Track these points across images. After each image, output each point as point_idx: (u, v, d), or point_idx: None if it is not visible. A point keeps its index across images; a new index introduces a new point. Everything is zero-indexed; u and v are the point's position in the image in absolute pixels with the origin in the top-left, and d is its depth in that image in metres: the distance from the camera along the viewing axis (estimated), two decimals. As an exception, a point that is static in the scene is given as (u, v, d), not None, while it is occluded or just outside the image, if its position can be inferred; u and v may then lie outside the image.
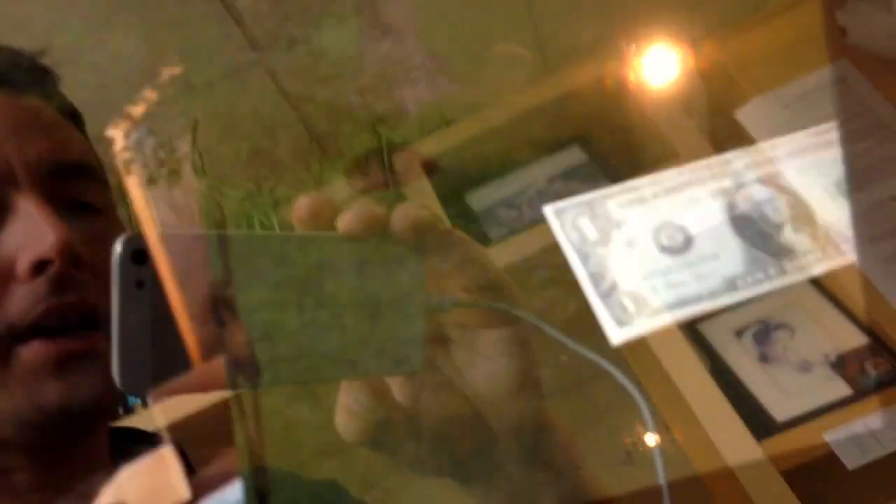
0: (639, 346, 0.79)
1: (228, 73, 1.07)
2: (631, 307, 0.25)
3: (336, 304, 0.29)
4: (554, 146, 0.99)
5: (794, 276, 0.27)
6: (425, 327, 0.30)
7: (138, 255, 0.29)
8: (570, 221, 0.27)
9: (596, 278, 0.25)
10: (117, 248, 0.28)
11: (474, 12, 1.01)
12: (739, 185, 0.29)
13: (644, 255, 0.26)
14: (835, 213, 0.29)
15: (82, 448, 0.45)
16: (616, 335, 0.24)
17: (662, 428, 0.79)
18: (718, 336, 0.83)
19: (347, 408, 0.31)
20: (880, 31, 0.70)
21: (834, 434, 0.75)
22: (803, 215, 0.29)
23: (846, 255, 0.28)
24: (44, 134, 0.43)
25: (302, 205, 0.29)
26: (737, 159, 0.30)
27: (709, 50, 0.86)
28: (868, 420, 0.74)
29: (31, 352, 0.39)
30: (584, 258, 0.26)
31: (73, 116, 0.48)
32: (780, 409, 0.79)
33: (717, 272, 0.27)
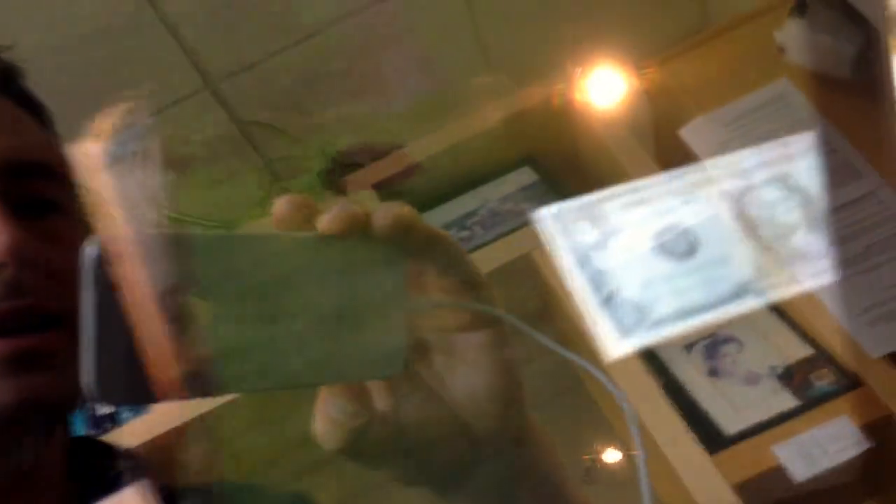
0: (592, 361, 0.79)
1: (178, 101, 1.05)
2: (630, 318, 0.24)
3: (314, 307, 0.27)
4: (505, 167, 1.00)
5: (806, 283, 0.26)
6: (406, 330, 0.28)
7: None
8: (566, 225, 0.25)
9: (596, 285, 0.24)
10: (92, 250, 0.26)
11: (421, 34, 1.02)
12: (748, 187, 0.28)
13: (646, 260, 0.25)
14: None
15: (34, 455, 0.42)
16: (616, 347, 0.23)
17: (619, 442, 0.79)
18: (669, 350, 0.84)
19: (327, 414, 0.30)
20: (818, 49, 0.73)
21: (782, 447, 0.76)
22: (817, 217, 0.28)
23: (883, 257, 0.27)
24: (1, 133, 0.42)
25: (280, 205, 0.28)
26: (748, 157, 0.29)
27: (653, 71, 0.89)
28: (815, 432, 0.75)
29: None
30: (582, 263, 0.24)
31: (37, 112, 0.46)
32: (729, 423, 0.79)
33: (725, 277, 0.25)
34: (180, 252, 0.26)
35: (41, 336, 0.38)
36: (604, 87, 0.88)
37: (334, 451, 0.31)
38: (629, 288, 0.24)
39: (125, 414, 1.02)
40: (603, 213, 0.26)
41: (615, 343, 0.23)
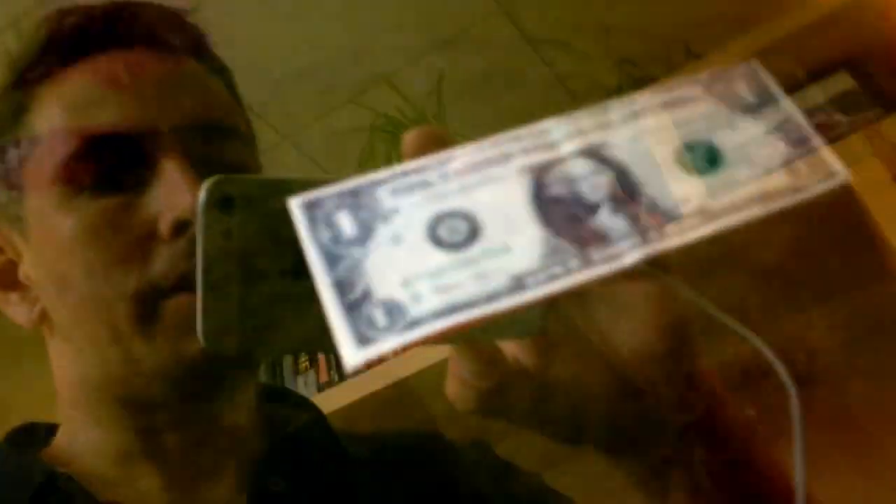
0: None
1: (470, 26, 1.07)
2: (381, 320, 0.20)
3: None
4: (818, 73, 0.90)
5: (600, 269, 0.21)
6: None
7: (226, 202, 0.27)
8: (323, 217, 0.21)
9: (343, 287, 0.20)
10: (202, 194, 0.27)
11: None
12: (553, 161, 0.23)
13: (413, 253, 0.21)
14: (671, 186, 0.23)
15: (228, 405, 0.46)
16: (353, 356, 0.19)
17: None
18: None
19: (458, 376, 0.30)
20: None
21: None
22: (628, 193, 0.22)
23: (671, 237, 0.22)
24: (189, 95, 0.45)
25: (410, 139, 0.26)
26: (556, 128, 0.24)
27: None
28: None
29: (175, 306, 0.41)
30: (332, 262, 0.20)
31: (222, 74, 0.48)
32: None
33: (503, 268, 0.21)
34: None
35: None
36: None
37: (469, 411, 0.30)
38: (386, 285, 0.21)
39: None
40: (372, 199, 0.22)
41: (353, 350, 0.19)
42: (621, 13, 1.13)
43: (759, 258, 0.35)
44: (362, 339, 0.20)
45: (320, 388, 1.10)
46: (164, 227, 0.41)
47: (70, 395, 0.47)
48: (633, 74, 1.08)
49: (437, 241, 0.22)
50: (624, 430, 0.32)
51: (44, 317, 0.46)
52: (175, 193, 0.41)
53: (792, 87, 0.83)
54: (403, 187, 0.22)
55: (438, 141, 0.25)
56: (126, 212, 0.43)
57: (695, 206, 0.22)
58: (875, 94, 0.93)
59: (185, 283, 0.41)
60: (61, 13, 0.46)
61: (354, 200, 0.22)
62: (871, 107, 0.93)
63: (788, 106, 0.24)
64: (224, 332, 0.27)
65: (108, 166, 0.43)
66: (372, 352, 0.20)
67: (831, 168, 0.23)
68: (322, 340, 0.22)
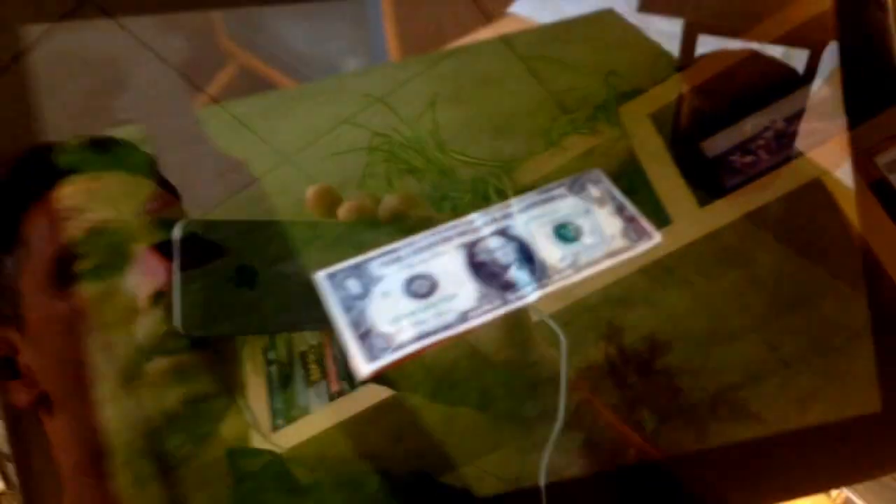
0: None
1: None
2: (380, 345, 0.32)
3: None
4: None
5: (514, 304, 0.35)
6: None
7: (193, 237, 0.39)
8: (339, 282, 0.34)
9: (356, 325, 0.32)
10: (176, 231, 0.39)
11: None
12: (478, 239, 0.37)
13: (396, 302, 0.33)
14: (551, 251, 0.37)
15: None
16: (365, 369, 0.31)
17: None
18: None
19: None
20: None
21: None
22: (526, 257, 0.36)
23: (555, 283, 0.36)
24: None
25: (309, 194, 0.39)
26: (479, 218, 0.38)
27: None
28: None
29: (156, 366, 0.48)
30: (347, 310, 0.33)
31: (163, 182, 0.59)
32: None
33: (453, 308, 0.34)
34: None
35: (202, 352, 0.50)
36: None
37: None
38: (381, 323, 0.33)
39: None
40: (368, 270, 0.35)
41: (365, 366, 0.32)
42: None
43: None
44: (370, 358, 0.33)
45: (332, 398, 1.17)
46: (143, 300, 0.50)
47: (74, 462, 0.55)
48: (618, 87, 1.08)
49: (411, 293, 0.35)
50: (487, 393, 0.45)
51: (42, 399, 0.54)
52: (149, 271, 0.50)
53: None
54: (387, 261, 0.36)
55: (330, 194, 0.39)
56: (110, 291, 0.52)
57: (567, 263, 0.37)
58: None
59: (163, 346, 0.48)
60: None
61: (357, 271, 0.35)
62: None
63: (621, 196, 0.39)
64: (194, 320, 0.39)
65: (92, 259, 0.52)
66: (376, 366, 0.33)
67: (650, 233, 0.38)
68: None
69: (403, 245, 0.35)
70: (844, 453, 0.41)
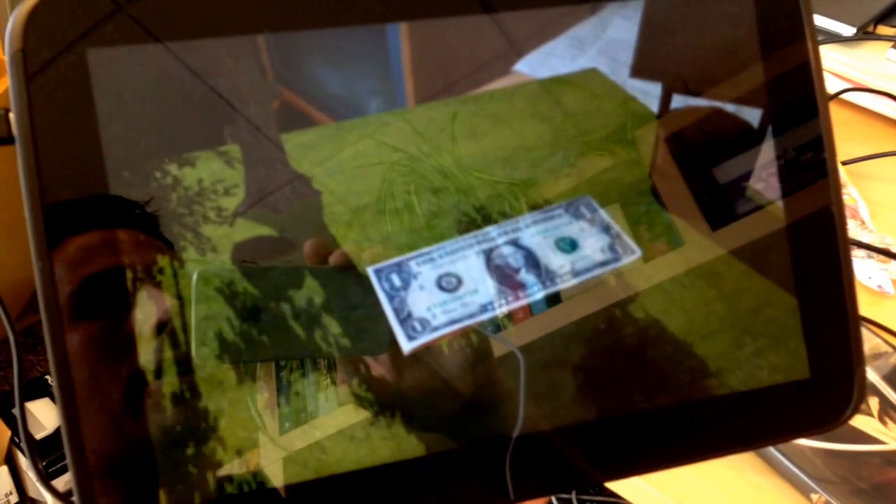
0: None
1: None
2: (418, 327, 0.41)
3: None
4: None
5: (522, 302, 0.43)
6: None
7: (207, 281, 0.45)
8: (385, 276, 0.43)
9: (398, 311, 0.41)
10: (195, 277, 0.43)
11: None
12: (494, 247, 0.46)
13: (430, 294, 0.42)
14: (553, 259, 0.46)
15: None
16: (406, 346, 0.40)
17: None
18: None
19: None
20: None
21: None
22: (533, 263, 0.46)
23: (559, 286, 0.45)
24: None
25: (305, 247, 0.45)
26: (494, 230, 0.47)
27: None
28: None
29: (156, 387, 0.51)
30: (391, 299, 0.41)
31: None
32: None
33: (476, 301, 0.43)
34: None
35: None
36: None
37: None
38: (418, 310, 0.42)
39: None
40: (407, 267, 0.44)
41: (407, 343, 0.40)
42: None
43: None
44: (410, 338, 0.41)
45: (340, 404, 1.24)
46: (147, 330, 0.52)
47: None
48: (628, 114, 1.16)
49: (441, 288, 0.44)
50: (449, 418, 0.49)
51: None
52: (153, 307, 0.53)
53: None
54: (422, 261, 0.44)
55: (326, 246, 0.46)
56: (116, 326, 0.54)
57: (566, 269, 0.46)
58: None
59: (162, 369, 0.52)
60: None
61: (398, 268, 0.44)
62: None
63: (608, 218, 0.48)
64: (209, 355, 0.43)
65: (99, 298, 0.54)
66: (415, 344, 0.41)
67: (633, 248, 0.48)
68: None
69: (435, 249, 0.44)
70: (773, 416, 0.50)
